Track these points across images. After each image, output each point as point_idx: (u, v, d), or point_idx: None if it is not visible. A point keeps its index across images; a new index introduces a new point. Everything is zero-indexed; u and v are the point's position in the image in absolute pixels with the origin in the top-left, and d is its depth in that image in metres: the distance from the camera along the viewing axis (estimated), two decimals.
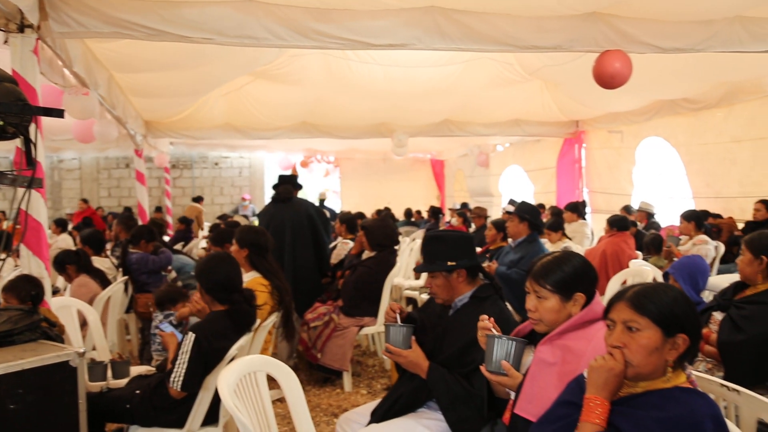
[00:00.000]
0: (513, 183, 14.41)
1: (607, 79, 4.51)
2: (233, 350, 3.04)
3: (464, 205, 12.17)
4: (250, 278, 3.93)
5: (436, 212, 11.64)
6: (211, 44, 3.94)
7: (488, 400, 2.46)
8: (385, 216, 5.90)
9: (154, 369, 3.51)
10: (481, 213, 8.98)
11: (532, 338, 2.26)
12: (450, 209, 14.03)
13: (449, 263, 2.76)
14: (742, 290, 3.17)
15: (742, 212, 7.83)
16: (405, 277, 7.35)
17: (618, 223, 6.43)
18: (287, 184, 5.74)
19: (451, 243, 2.83)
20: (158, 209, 14.63)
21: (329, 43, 4.02)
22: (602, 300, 2.15)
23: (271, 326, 3.92)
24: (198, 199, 15.61)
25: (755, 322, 2.92)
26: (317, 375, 5.19)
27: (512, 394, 2.18)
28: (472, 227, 9.38)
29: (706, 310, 3.27)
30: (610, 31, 4.36)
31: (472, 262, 2.80)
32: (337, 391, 4.99)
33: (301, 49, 4.75)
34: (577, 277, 2.14)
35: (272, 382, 2.62)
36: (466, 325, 2.64)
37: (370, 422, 2.79)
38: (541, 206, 10.33)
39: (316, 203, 10.39)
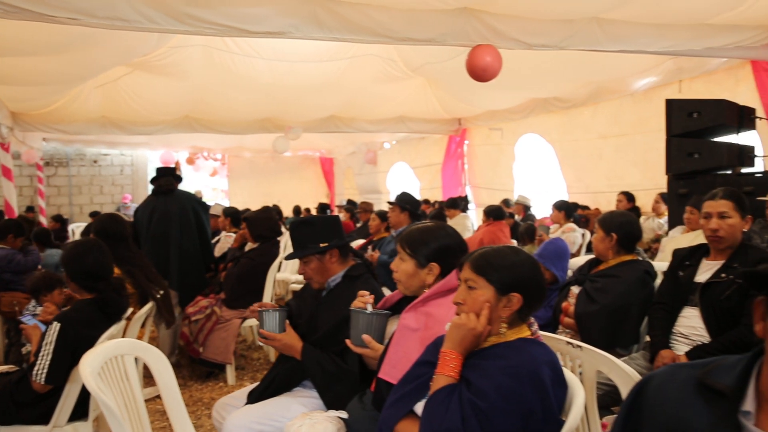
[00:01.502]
0: (400, 180, 14.72)
1: (480, 72, 4.73)
2: (103, 339, 2.94)
3: (350, 202, 12.31)
4: None
5: (324, 209, 11.73)
6: (78, 25, 3.75)
7: (362, 374, 2.52)
8: (267, 208, 5.88)
9: (17, 367, 3.32)
10: (367, 208, 9.14)
11: (399, 308, 2.35)
12: (338, 206, 14.15)
13: (321, 245, 2.81)
14: (597, 266, 3.44)
15: (608, 204, 8.43)
16: (291, 271, 7.34)
17: (494, 213, 6.78)
18: (168, 176, 5.59)
19: (320, 225, 2.87)
20: (30, 209, 13.72)
21: (205, 28, 3.96)
22: None
23: (143, 318, 3.79)
24: None
25: (606, 293, 3.19)
26: (200, 370, 5.09)
27: None
28: (360, 222, 9.53)
29: (566, 286, 3.52)
30: (480, 26, 4.58)
31: (343, 241, 2.87)
32: (220, 385, 4.91)
33: (175, 34, 4.61)
34: (436, 250, 2.26)
35: (147, 380, 2.52)
36: (339, 303, 2.69)
37: (247, 404, 2.78)
38: (426, 201, 10.66)
39: None
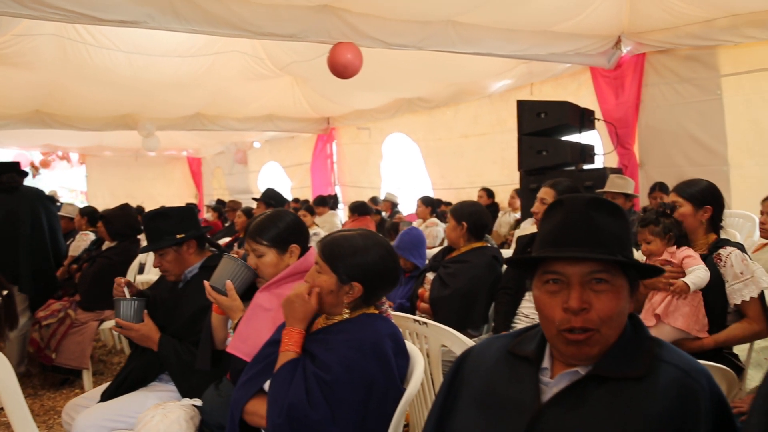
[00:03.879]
0: (272, 179, 14.63)
1: (341, 69, 4.84)
2: None
3: (219, 202, 12.08)
4: None
5: None
6: None
7: (213, 357, 2.50)
8: (126, 204, 5.64)
9: None
10: (234, 206, 9.01)
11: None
12: (207, 206, 13.84)
13: (178, 236, 2.77)
14: (450, 253, 3.64)
15: (470, 199, 8.85)
16: (156, 273, 7.08)
17: (358, 209, 6.95)
18: (10, 172, 5.21)
19: (177, 217, 2.83)
20: None
21: (49, 14, 3.73)
22: None
23: None
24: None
25: (458, 278, 3.38)
26: (53, 377, 4.80)
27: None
28: (228, 221, 9.37)
29: (421, 273, 3.69)
30: (341, 24, 4.68)
31: (199, 232, 2.84)
32: (75, 392, 4.66)
33: (16, 18, 4.30)
34: (290, 231, 2.32)
35: None
36: (196, 294, 2.67)
37: (100, 402, 2.69)
38: (296, 200, 10.67)
39: None
